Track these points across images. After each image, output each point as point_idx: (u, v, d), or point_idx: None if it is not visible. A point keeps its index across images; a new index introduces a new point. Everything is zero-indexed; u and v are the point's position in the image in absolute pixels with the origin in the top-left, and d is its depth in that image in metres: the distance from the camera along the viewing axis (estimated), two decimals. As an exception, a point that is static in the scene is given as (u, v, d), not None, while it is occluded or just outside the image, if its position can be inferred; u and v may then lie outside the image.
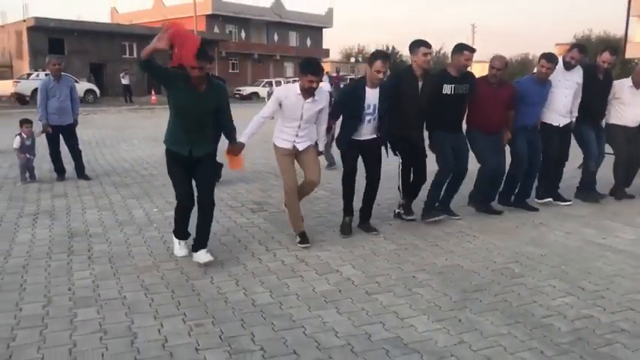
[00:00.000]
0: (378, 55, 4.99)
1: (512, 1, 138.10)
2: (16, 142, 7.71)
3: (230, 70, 48.80)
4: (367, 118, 5.08)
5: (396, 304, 3.77)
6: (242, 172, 4.82)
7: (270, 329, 3.39)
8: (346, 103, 5.14)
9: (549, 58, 5.94)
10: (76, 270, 4.35)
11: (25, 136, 7.76)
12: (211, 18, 48.44)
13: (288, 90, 4.88)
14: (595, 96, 6.54)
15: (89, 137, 13.24)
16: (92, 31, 38.30)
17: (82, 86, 29.74)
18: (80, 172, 8.15)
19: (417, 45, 5.29)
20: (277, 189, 7.44)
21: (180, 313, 3.59)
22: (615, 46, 7.38)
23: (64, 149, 8.08)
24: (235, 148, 4.59)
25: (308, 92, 4.73)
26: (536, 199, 6.58)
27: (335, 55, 69.27)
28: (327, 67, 52.27)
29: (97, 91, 32.68)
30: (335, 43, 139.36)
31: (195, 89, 4.19)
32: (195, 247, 4.53)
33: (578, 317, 3.58)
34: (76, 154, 8.14)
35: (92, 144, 12.27)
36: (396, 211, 5.95)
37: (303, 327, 3.42)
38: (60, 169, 8.08)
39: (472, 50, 5.47)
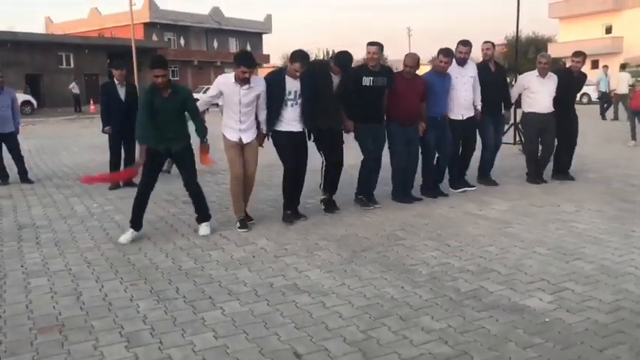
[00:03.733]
0: (297, 56, 5.69)
1: (446, 5, 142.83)
2: None
3: (170, 77, 48.89)
4: (289, 102, 5.78)
5: (298, 263, 4.66)
6: (211, 167, 5.61)
7: (192, 284, 4.21)
8: (270, 90, 5.73)
9: (446, 53, 6.78)
10: (26, 252, 5.05)
11: None
12: (149, 26, 48.54)
13: (226, 79, 5.66)
14: (489, 87, 7.42)
15: (29, 147, 13.56)
16: (27, 42, 37.87)
17: (18, 98, 29.59)
18: (23, 176, 8.72)
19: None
20: (210, 185, 8.23)
21: (118, 278, 4.37)
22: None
23: (6, 157, 8.65)
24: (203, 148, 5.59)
25: (243, 81, 5.49)
26: (451, 189, 7.30)
27: (276, 60, 70.10)
28: (268, 72, 53.05)
29: (34, 102, 32.51)
30: (275, 48, 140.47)
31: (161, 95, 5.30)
32: (199, 221, 5.66)
33: (438, 264, 4.56)
34: (19, 160, 8.72)
35: (32, 152, 12.70)
36: (322, 207, 6.46)
37: (219, 282, 4.26)
38: (3, 174, 8.63)
39: (374, 45, 6.28)
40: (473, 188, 7.42)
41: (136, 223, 5.44)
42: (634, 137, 12.05)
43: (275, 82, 5.77)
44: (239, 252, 5.00)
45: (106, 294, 4.04)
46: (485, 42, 7.66)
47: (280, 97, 5.75)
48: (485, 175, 7.84)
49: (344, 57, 6.03)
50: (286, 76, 5.75)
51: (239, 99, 5.55)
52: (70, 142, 15.17)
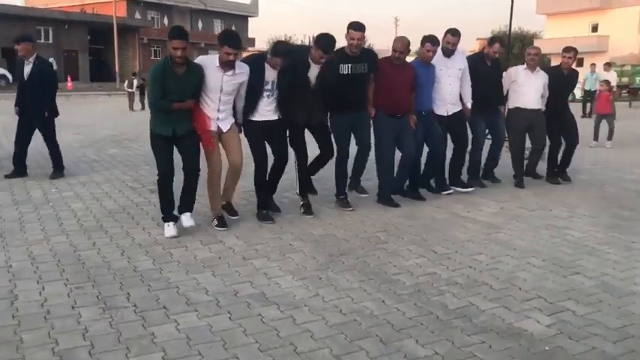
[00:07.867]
0: (280, 51, 5.12)
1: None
2: None
3: (152, 57, 47.99)
4: (266, 94, 5.22)
5: (268, 267, 4.18)
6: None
7: (146, 290, 3.72)
8: (249, 78, 5.13)
9: (432, 41, 6.20)
10: (-36, 244, 4.51)
11: None
12: (132, 3, 47.41)
13: (208, 60, 4.96)
14: (485, 84, 6.88)
15: (-5, 123, 12.91)
16: (3, 14, 36.63)
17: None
18: (-21, 155, 8.09)
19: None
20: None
21: (63, 279, 3.86)
22: (501, 37, 7.94)
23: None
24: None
25: (227, 65, 4.85)
26: (442, 192, 6.67)
27: (261, 44, 69.09)
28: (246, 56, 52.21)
29: (9, 76, 31.50)
30: (261, 32, 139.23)
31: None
32: (181, 210, 4.97)
33: (423, 274, 4.12)
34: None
35: (-2, 129, 12.03)
36: (302, 211, 5.72)
37: (177, 287, 3.77)
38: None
39: (356, 28, 5.61)
40: (470, 189, 6.86)
41: (168, 214, 4.95)
42: (596, 138, 11.84)
43: (254, 69, 5.16)
44: (204, 252, 4.51)
45: (46, 298, 3.53)
46: (495, 42, 7.08)
47: (259, 86, 5.18)
48: (474, 176, 7.33)
49: (327, 40, 5.37)
50: (266, 65, 5.20)
51: (220, 85, 4.93)
52: (40, 120, 14.42)
